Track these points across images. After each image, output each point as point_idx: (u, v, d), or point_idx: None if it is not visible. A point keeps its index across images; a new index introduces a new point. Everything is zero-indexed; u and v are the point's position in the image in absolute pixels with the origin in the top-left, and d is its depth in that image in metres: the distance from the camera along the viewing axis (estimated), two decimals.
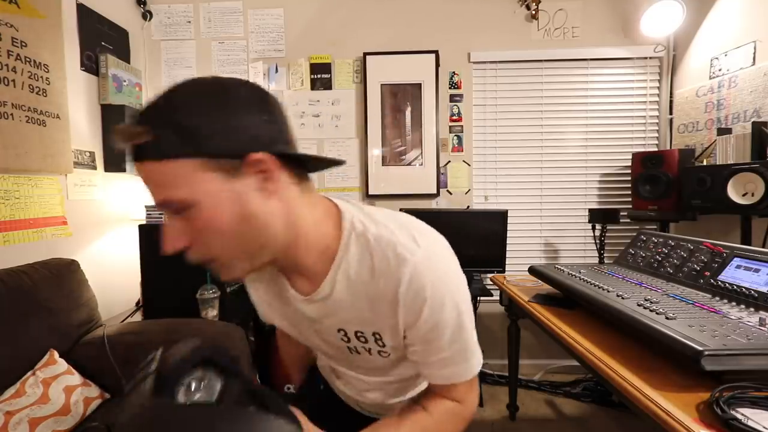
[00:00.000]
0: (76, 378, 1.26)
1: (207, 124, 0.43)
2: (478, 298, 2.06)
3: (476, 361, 0.58)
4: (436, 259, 0.52)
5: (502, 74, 2.33)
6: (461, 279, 0.55)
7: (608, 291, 1.10)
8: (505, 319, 1.84)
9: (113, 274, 1.91)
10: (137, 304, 1.85)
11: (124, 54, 2.09)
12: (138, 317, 1.77)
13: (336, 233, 0.54)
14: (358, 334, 0.58)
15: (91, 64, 1.86)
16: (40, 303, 1.31)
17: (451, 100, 2.32)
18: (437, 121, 2.29)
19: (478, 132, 2.35)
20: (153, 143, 0.42)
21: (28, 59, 1.46)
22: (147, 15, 2.26)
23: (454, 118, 2.32)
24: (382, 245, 0.51)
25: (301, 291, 0.58)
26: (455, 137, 2.33)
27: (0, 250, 1.38)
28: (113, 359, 1.34)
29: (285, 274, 0.59)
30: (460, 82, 2.31)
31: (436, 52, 2.26)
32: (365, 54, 2.27)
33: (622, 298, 1.03)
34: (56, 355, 1.27)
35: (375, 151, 2.32)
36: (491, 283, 2.05)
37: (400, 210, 2.11)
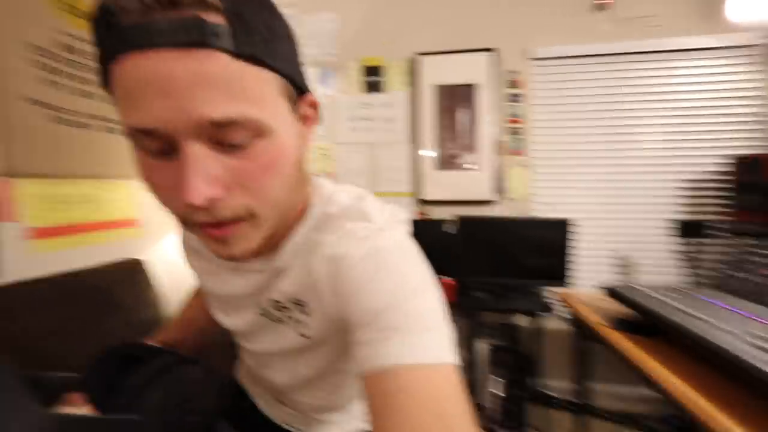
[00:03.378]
0: None
1: (277, 34, 0.35)
2: (536, 313, 1.91)
3: None
4: None
5: (568, 71, 2.14)
6: None
7: (706, 321, 0.94)
8: (568, 337, 1.68)
9: (180, 273, 2.01)
10: None
11: None
12: None
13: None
14: None
15: None
16: (113, 301, 1.39)
17: (509, 100, 2.18)
18: (494, 122, 2.17)
19: (540, 134, 2.19)
20: (224, 29, 0.30)
21: None
22: None
23: (514, 119, 2.18)
24: None
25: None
26: (514, 140, 2.19)
27: (81, 250, 1.48)
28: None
29: None
30: (520, 81, 2.16)
31: (493, 50, 2.14)
32: (418, 54, 2.21)
33: (726, 332, 0.88)
34: None
35: (427, 155, 2.24)
36: (553, 298, 1.90)
37: (459, 217, 2.02)
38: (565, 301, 1.57)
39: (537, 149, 2.19)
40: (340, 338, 0.47)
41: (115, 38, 0.30)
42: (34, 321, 1.10)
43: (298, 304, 0.48)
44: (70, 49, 1.42)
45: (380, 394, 0.34)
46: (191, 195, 0.32)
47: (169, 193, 0.35)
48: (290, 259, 0.47)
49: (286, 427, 0.67)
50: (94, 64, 0.33)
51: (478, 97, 2.17)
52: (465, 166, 2.21)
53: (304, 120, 0.42)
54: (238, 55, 0.31)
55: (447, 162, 2.23)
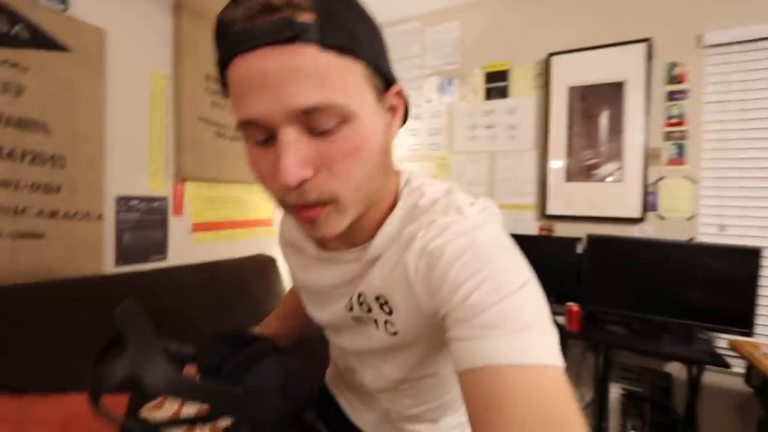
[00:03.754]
0: None
1: (362, 28, 0.38)
2: (703, 364, 1.49)
3: None
4: None
5: (754, 57, 1.66)
6: None
7: None
8: (743, 401, 1.27)
9: None
10: None
11: None
12: None
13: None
14: None
15: None
16: (246, 290, 1.60)
17: (668, 99, 1.80)
18: (646, 126, 1.81)
19: (712, 138, 1.74)
20: (312, 25, 0.33)
21: None
22: None
23: (673, 121, 1.79)
24: None
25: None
26: (673, 146, 1.79)
27: (225, 243, 1.75)
28: None
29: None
30: (684, 75, 1.77)
31: (647, 40, 1.80)
32: (550, 55, 2.00)
33: None
34: None
35: (556, 165, 2.00)
36: (723, 347, 1.47)
37: (588, 235, 1.75)
38: (742, 352, 1.19)
39: (707, 158, 1.75)
40: (429, 337, 0.47)
41: (227, 46, 0.35)
42: (186, 300, 1.32)
43: (383, 301, 0.48)
44: None
45: (480, 391, 0.33)
46: (285, 175, 0.35)
47: (270, 178, 0.38)
48: (383, 248, 0.47)
49: None
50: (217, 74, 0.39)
51: (624, 97, 1.85)
52: (605, 177, 1.90)
53: (391, 110, 0.43)
54: (325, 46, 0.34)
55: (580, 172, 1.95)
